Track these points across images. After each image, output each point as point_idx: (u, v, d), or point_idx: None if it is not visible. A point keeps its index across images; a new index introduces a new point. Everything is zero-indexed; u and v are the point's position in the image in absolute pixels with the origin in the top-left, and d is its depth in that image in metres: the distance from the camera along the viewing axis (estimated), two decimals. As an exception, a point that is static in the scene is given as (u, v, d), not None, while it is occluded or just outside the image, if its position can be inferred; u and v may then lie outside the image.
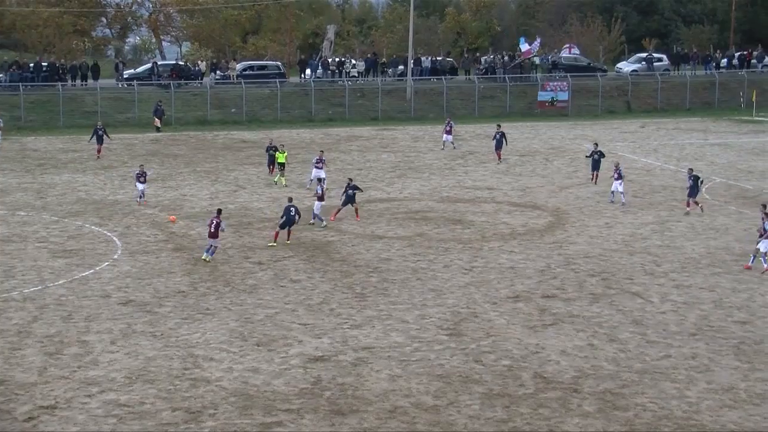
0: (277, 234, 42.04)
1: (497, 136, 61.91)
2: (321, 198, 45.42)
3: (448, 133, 66.29)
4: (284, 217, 41.89)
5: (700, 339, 31.52)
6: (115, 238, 42.78)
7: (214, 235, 39.25)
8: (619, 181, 49.68)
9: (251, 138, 71.43)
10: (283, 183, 53.84)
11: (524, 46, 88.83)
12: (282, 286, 36.23)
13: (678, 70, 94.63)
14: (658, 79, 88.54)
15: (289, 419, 25.18)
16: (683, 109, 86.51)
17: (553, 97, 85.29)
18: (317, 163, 52.43)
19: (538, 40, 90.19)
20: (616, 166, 50.48)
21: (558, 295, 35.86)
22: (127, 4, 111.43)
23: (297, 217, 41.76)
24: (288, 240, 41.91)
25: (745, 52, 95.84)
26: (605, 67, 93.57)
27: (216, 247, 39.50)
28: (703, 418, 25.85)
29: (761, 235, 39.28)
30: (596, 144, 56.90)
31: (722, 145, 68.72)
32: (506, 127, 72.10)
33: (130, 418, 25.06)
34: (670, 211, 48.77)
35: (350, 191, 46.02)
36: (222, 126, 77.83)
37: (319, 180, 48.74)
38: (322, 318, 32.83)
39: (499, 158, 61.57)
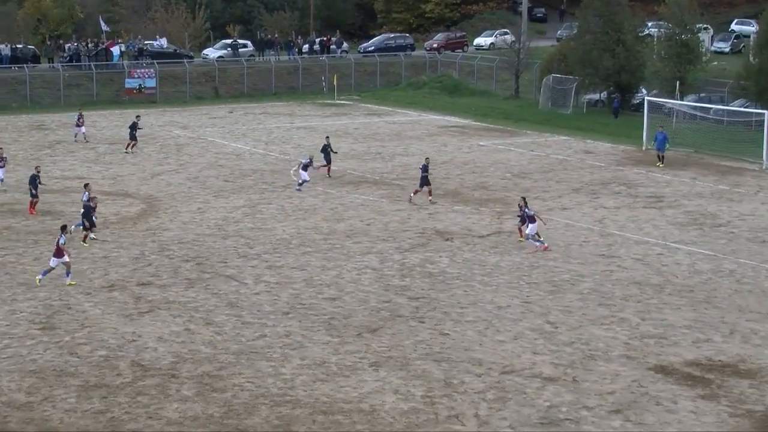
0: None
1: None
2: None
3: (79, 125, 63.93)
4: None
5: (293, 317, 32.45)
6: None
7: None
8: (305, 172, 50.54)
9: None
10: None
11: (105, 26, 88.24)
12: None
13: (263, 55, 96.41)
14: (244, 65, 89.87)
15: None
16: (269, 93, 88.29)
17: (140, 84, 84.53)
18: None
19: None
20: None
21: (153, 282, 35.75)
22: None
23: None
24: None
25: (324, 38, 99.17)
26: (192, 53, 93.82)
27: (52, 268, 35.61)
28: (298, 393, 26.68)
29: (524, 222, 40.78)
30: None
31: (308, 128, 70.81)
32: (95, 115, 70.87)
33: None
34: (261, 194, 49.77)
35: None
36: None
37: None
38: None
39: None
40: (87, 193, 41.62)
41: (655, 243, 41.76)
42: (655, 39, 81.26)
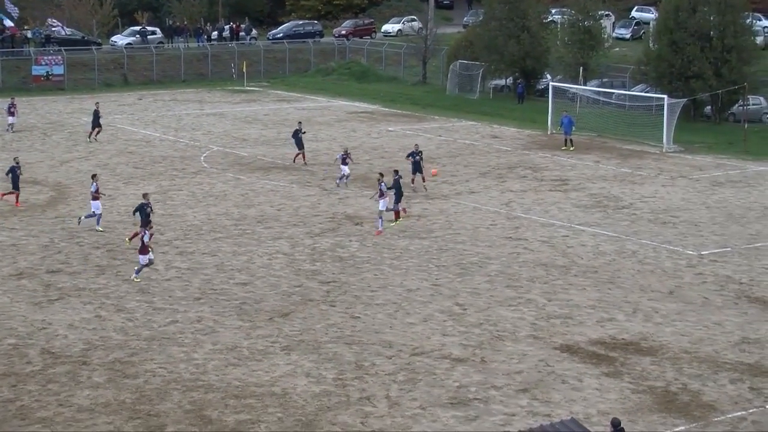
0: None
1: None
2: None
3: (11, 114, 62.83)
4: None
5: (204, 303, 32.63)
6: None
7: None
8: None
9: None
10: None
11: (8, 23, 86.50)
12: None
13: (172, 42, 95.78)
14: (153, 52, 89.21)
15: None
16: (179, 80, 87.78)
17: (48, 72, 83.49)
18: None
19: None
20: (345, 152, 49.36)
21: (63, 269, 35.65)
22: None
23: None
24: None
25: (233, 25, 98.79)
26: (100, 40, 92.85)
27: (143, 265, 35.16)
28: (210, 377, 26.92)
29: (380, 197, 41.21)
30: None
31: (217, 114, 70.68)
32: (2, 102, 69.84)
33: None
34: (171, 181, 49.68)
35: None
36: None
37: None
38: None
39: None
40: (95, 183, 41.38)
41: (560, 225, 42.62)
42: (559, 26, 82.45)
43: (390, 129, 65.86)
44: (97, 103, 62.74)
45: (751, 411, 25.66)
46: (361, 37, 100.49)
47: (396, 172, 42.79)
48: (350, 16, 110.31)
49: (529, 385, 26.85)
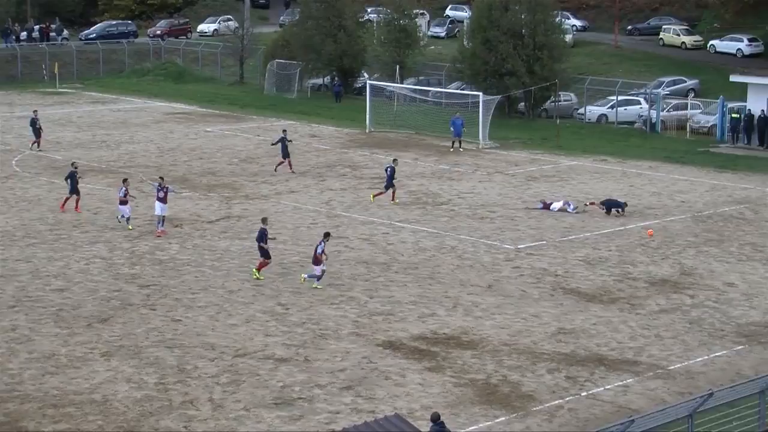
0: None
1: None
2: None
3: None
4: None
5: (19, 310, 31.73)
6: None
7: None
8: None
9: None
10: None
11: None
12: None
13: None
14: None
15: None
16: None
17: None
18: None
19: None
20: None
21: None
22: None
23: None
24: None
25: (44, 26, 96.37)
26: None
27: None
28: (27, 387, 26.19)
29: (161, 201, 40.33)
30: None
31: (30, 117, 68.65)
32: None
33: None
34: (-20, 187, 48.15)
35: None
36: None
37: None
38: None
39: None
40: (124, 188, 40.50)
41: (380, 223, 42.95)
42: (375, 24, 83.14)
43: (208, 130, 65.25)
44: (36, 111, 60.08)
45: (567, 399, 26.36)
46: (176, 37, 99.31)
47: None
48: (165, 16, 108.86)
49: (353, 383, 26.97)
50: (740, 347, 29.99)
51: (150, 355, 28.44)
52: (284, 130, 54.07)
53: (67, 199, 43.70)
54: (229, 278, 35.30)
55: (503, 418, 25.25)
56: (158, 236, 39.93)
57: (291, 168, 52.05)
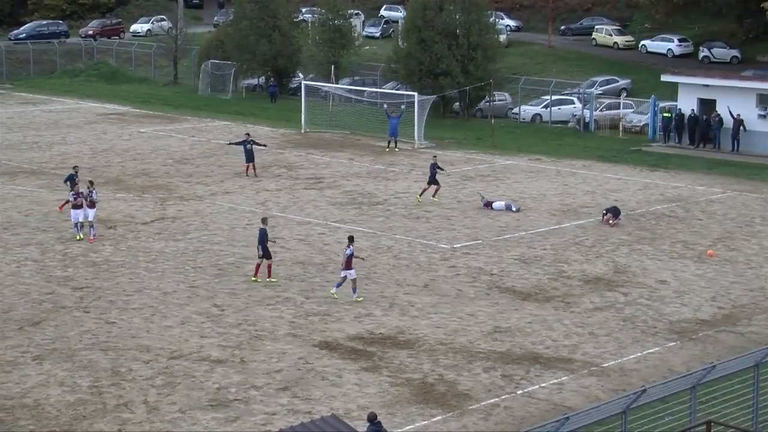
0: None
1: None
2: None
3: None
4: None
5: (-51, 314, 31.22)
6: None
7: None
8: None
9: None
10: None
11: None
12: None
13: None
14: None
15: None
16: None
17: None
18: None
19: None
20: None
21: None
22: None
23: None
24: None
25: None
26: None
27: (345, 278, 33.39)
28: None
29: (85, 205, 39.70)
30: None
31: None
32: None
33: None
34: None
35: None
36: None
37: None
38: None
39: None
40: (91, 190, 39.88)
41: (316, 223, 42.87)
42: (310, 24, 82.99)
43: (142, 130, 64.73)
44: None
45: (503, 397, 26.48)
46: (109, 38, 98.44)
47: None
48: (97, 15, 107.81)
49: (290, 384, 26.89)
50: (672, 344, 30.33)
51: (83, 358, 28.15)
52: (247, 134, 53.36)
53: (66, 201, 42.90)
54: (163, 280, 35.03)
55: (440, 417, 25.31)
56: (91, 242, 39.41)
57: (255, 172, 51.57)
